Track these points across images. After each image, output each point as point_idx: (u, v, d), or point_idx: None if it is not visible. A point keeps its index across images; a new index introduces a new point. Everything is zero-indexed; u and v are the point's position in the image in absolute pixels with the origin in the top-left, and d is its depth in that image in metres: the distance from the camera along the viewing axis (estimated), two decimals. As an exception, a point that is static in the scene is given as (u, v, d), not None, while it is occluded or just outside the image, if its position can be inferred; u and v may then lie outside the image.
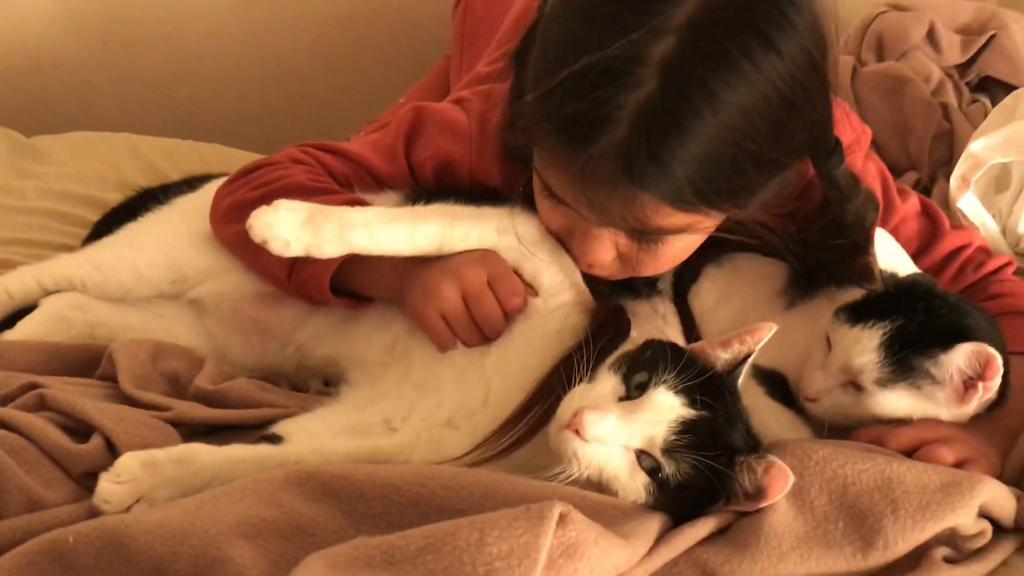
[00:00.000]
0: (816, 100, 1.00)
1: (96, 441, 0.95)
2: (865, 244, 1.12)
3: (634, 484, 0.90)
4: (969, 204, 1.43)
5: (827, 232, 1.13)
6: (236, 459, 0.96)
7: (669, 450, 0.89)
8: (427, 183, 1.26)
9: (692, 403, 0.91)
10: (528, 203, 1.13)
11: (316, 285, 1.13)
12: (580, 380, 0.96)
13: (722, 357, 0.97)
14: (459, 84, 1.56)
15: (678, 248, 1.09)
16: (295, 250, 1.04)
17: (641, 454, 0.90)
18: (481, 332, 1.09)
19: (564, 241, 1.12)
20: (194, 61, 2.06)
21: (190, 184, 1.42)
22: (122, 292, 1.26)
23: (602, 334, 1.04)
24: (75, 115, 1.98)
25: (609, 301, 1.12)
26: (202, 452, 0.95)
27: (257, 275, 1.22)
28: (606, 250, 1.07)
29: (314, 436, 1.03)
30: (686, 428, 0.89)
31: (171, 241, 1.28)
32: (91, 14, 1.94)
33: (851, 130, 1.20)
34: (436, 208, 1.14)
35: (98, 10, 1.94)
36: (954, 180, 1.44)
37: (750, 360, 0.97)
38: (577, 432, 0.88)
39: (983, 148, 1.44)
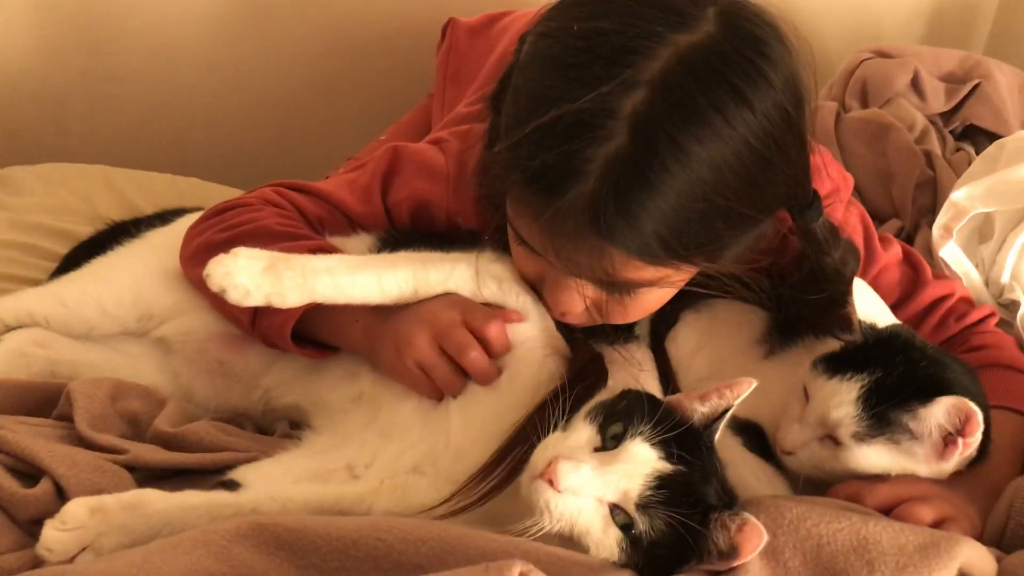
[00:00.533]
0: (790, 155, 0.99)
1: (45, 486, 0.93)
2: (843, 296, 1.11)
3: (607, 540, 0.87)
4: (951, 253, 1.42)
5: (804, 286, 1.12)
6: (189, 506, 0.93)
7: (644, 505, 0.87)
8: (403, 225, 1.25)
9: (668, 457, 0.89)
10: (500, 247, 1.12)
11: (278, 333, 1.11)
12: (555, 428, 0.94)
13: (699, 410, 0.95)
14: (439, 124, 1.56)
15: (650, 300, 1.08)
16: (255, 299, 1.02)
17: (614, 508, 0.87)
18: (463, 378, 1.07)
19: (537, 288, 1.11)
20: (174, 95, 2.05)
21: (162, 218, 1.40)
22: (86, 329, 1.23)
23: (579, 381, 1.02)
24: (53, 146, 1.96)
25: (587, 349, 1.11)
26: (153, 498, 0.93)
27: (223, 318, 1.20)
28: (577, 300, 1.06)
29: (273, 482, 1.01)
30: (662, 483, 0.87)
31: (139, 277, 1.26)
32: (72, 46, 1.93)
33: (831, 180, 1.19)
34: (405, 254, 1.12)
35: (79, 42, 1.94)
36: (936, 229, 1.43)
37: (728, 415, 0.95)
38: (551, 482, 0.86)
39: (965, 197, 1.44)
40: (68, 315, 1.23)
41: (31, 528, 0.91)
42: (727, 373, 1.11)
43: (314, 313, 1.09)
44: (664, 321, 1.21)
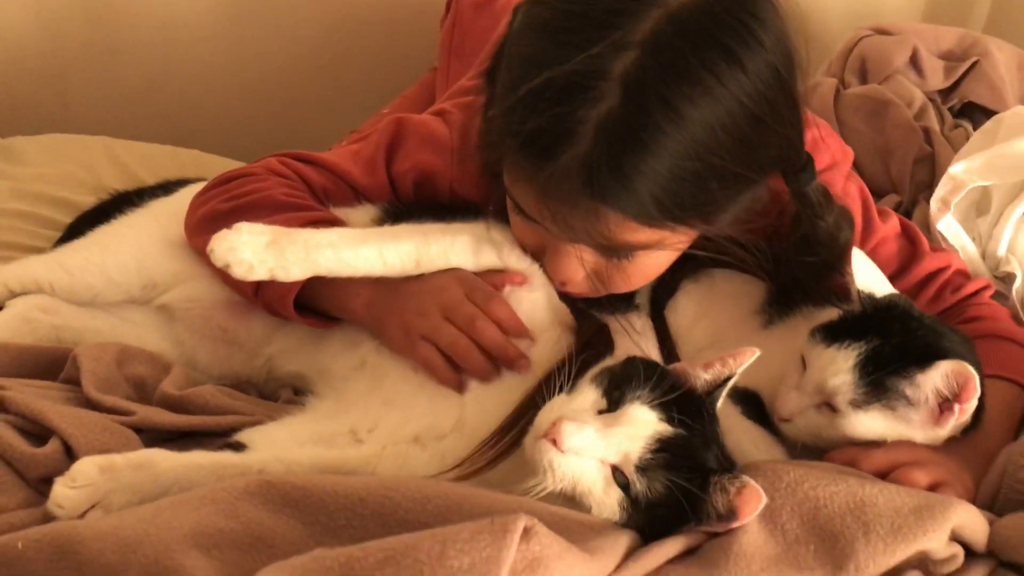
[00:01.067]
0: (783, 116, 0.99)
1: (54, 445, 0.94)
2: (838, 262, 1.12)
3: (608, 500, 0.89)
4: (949, 226, 1.42)
5: (799, 248, 1.12)
6: (196, 466, 0.94)
7: (643, 467, 0.88)
8: (407, 196, 1.25)
9: (669, 420, 0.90)
10: (503, 219, 1.12)
11: (280, 303, 1.12)
12: (560, 391, 0.95)
13: (703, 377, 0.96)
14: (443, 96, 1.55)
15: (649, 265, 1.08)
16: (259, 273, 1.03)
17: (616, 470, 0.89)
18: (481, 355, 1.06)
19: (537, 258, 1.11)
20: (176, 67, 2.05)
21: (165, 188, 1.41)
22: (91, 296, 1.24)
23: (586, 351, 1.03)
24: (55, 118, 1.97)
25: (593, 320, 1.12)
26: (161, 458, 0.93)
27: (226, 286, 1.20)
28: (577, 267, 1.06)
29: (278, 445, 1.02)
30: (662, 446, 0.89)
31: (143, 245, 1.27)
32: (74, 18, 1.93)
33: (830, 152, 1.20)
34: (407, 227, 1.13)
35: (80, 15, 1.93)
36: (934, 203, 1.44)
37: (730, 383, 0.96)
38: (554, 442, 0.87)
39: (963, 171, 1.44)
40: (72, 282, 1.24)
41: (40, 487, 0.91)
42: (726, 342, 1.13)
43: (317, 284, 1.09)
44: (664, 291, 1.21)
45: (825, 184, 1.12)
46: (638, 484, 0.88)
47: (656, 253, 1.05)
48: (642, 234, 0.98)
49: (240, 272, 1.02)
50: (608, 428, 0.89)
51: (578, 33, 0.92)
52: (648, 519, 0.89)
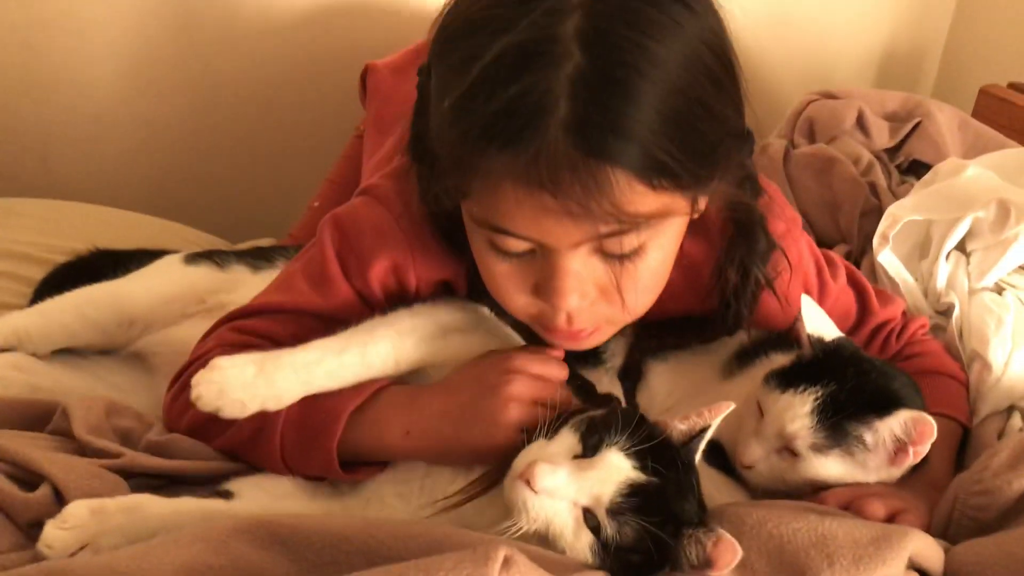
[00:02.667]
0: (734, 63, 0.95)
1: (44, 490, 0.95)
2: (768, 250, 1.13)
3: (579, 543, 0.90)
4: (889, 261, 1.49)
5: (743, 244, 1.13)
6: (185, 512, 0.95)
7: (614, 511, 0.90)
8: (379, 303, 1.13)
9: (643, 468, 0.92)
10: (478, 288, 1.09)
11: (328, 473, 1.04)
12: (541, 436, 0.97)
13: (679, 428, 0.98)
14: (368, 170, 1.52)
15: (657, 261, 0.99)
16: (251, 408, 0.99)
17: (587, 513, 0.91)
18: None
19: (533, 316, 1.04)
20: (159, 136, 2.08)
21: (148, 253, 1.43)
22: (67, 337, 1.23)
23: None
24: (37, 183, 1.99)
25: (603, 397, 1.12)
26: (151, 503, 0.95)
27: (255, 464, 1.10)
28: (581, 281, 0.96)
29: (266, 494, 1.03)
30: (634, 491, 0.90)
31: (118, 284, 1.26)
32: (59, 83, 1.95)
33: (783, 219, 1.19)
34: (380, 321, 1.09)
35: (66, 80, 1.96)
36: (876, 239, 1.49)
37: (708, 434, 0.98)
38: (528, 483, 0.89)
39: (899, 207, 1.51)
40: (46, 324, 1.23)
41: (30, 531, 0.93)
42: (690, 396, 1.16)
43: (346, 439, 1.03)
44: (632, 375, 1.23)
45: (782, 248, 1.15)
46: (609, 528, 0.89)
47: (662, 242, 0.98)
48: (649, 200, 0.89)
49: (232, 413, 0.98)
50: (582, 472, 0.91)
51: (509, 12, 0.85)
52: (619, 563, 0.90)
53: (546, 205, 0.87)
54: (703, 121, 0.90)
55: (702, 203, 1.02)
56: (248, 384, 0.99)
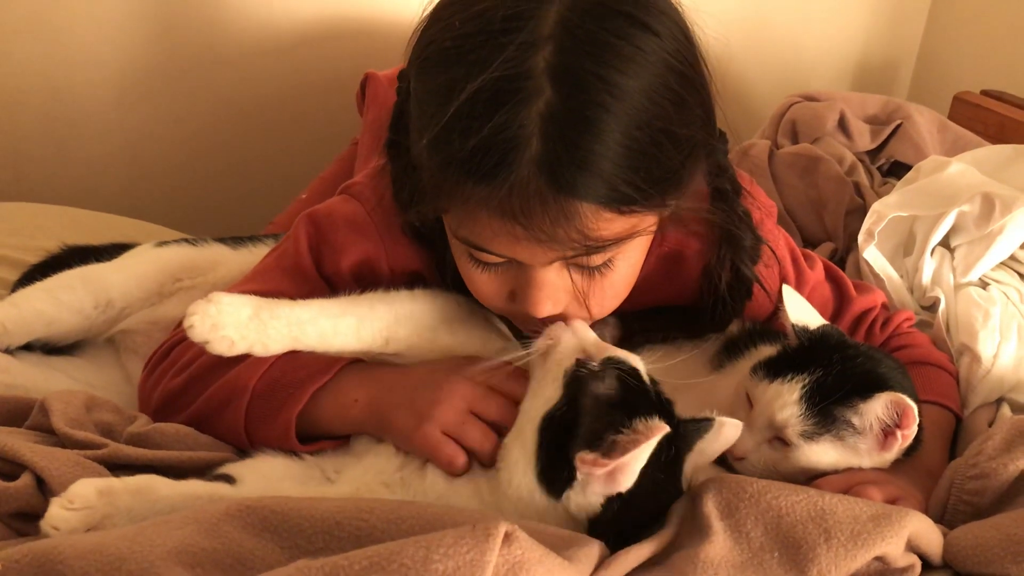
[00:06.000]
0: (702, 72, 0.99)
1: (26, 479, 0.93)
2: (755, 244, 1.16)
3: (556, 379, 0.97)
4: (874, 257, 1.50)
5: (729, 243, 1.15)
6: (194, 495, 0.93)
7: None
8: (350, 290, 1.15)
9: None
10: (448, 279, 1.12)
11: (283, 443, 1.06)
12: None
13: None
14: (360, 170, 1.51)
15: (625, 271, 1.05)
16: (239, 348, 1.00)
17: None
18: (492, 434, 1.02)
19: (510, 312, 1.09)
20: (134, 141, 2.06)
21: (120, 247, 1.41)
22: (43, 325, 1.20)
23: None
24: (8, 191, 1.96)
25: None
26: (161, 484, 0.93)
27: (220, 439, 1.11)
28: (555, 290, 1.02)
29: (265, 479, 1.01)
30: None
31: (89, 267, 1.25)
32: (32, 90, 1.94)
33: (758, 208, 1.21)
34: (379, 297, 1.10)
35: (40, 86, 1.94)
36: (861, 235, 1.51)
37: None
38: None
39: (884, 204, 1.52)
40: (20, 313, 1.21)
41: (12, 522, 0.91)
42: (678, 389, 1.15)
43: (308, 411, 1.06)
44: None
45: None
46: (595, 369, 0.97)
47: (629, 255, 1.03)
48: (616, 224, 0.95)
49: (220, 348, 0.99)
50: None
51: (484, 47, 0.89)
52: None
53: (518, 233, 0.93)
54: (666, 148, 0.94)
55: (672, 207, 1.03)
56: (241, 324, 1.00)
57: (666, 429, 0.89)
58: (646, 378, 0.99)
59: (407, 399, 1.04)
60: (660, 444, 0.91)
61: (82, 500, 0.87)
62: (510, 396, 1.03)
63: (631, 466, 0.89)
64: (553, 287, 1.01)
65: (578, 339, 1.01)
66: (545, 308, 1.02)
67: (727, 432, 1.00)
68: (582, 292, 1.03)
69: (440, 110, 0.90)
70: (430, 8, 0.99)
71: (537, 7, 0.90)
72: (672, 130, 0.94)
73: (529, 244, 0.94)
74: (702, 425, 0.99)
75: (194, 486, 0.95)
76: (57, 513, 0.87)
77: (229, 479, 0.99)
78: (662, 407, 0.97)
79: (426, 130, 0.93)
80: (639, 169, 0.92)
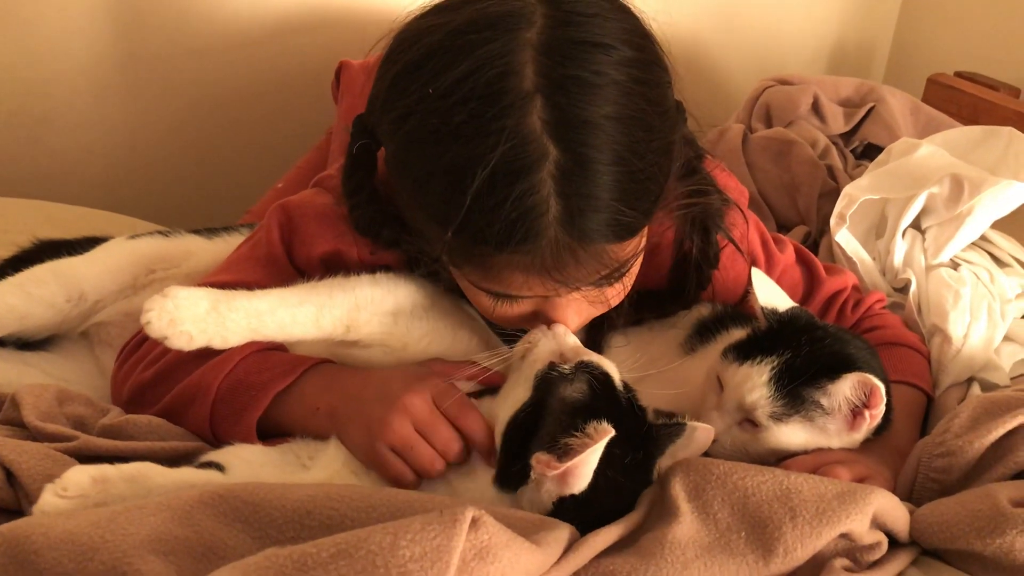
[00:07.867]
0: (661, 59, 1.02)
1: (-5, 472, 0.93)
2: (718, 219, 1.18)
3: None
4: (847, 240, 1.51)
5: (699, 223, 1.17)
6: (188, 482, 0.93)
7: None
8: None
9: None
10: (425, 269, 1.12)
11: (244, 438, 1.06)
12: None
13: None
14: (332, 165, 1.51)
15: (634, 271, 1.09)
16: (198, 342, 1.00)
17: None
18: (441, 459, 1.01)
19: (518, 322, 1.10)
20: (106, 135, 2.04)
21: (93, 240, 1.39)
22: (16, 319, 1.19)
23: None
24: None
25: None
26: (155, 472, 0.93)
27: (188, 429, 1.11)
28: (580, 308, 1.07)
29: (250, 465, 1.01)
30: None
31: (60, 261, 1.24)
32: (2, 86, 1.92)
33: (728, 193, 1.22)
34: (338, 284, 1.10)
35: (10, 81, 1.92)
36: (833, 218, 1.52)
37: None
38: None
39: (855, 187, 1.53)
40: None
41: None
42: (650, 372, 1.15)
43: (271, 414, 1.07)
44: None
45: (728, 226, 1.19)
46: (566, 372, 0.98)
47: (638, 256, 1.07)
48: (631, 244, 1.01)
49: (179, 343, 0.98)
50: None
51: (478, 118, 0.90)
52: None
53: (548, 284, 0.97)
54: (652, 155, 0.96)
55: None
56: (199, 319, 0.99)
57: (611, 432, 0.89)
58: (618, 383, 1.00)
59: (361, 413, 1.03)
60: (625, 448, 0.93)
61: (76, 487, 0.87)
62: (461, 428, 1.02)
63: (581, 469, 0.89)
64: (578, 304, 1.06)
65: (557, 343, 1.03)
66: (573, 323, 1.07)
67: (699, 437, 1.00)
68: (601, 298, 1.06)
69: (456, 196, 0.91)
70: (391, 71, 0.99)
71: (512, 60, 0.91)
72: (654, 140, 0.97)
73: (558, 286, 0.98)
74: (674, 430, 0.99)
75: (187, 474, 0.95)
76: (50, 500, 0.86)
77: (219, 467, 0.99)
78: (633, 413, 0.98)
79: (440, 212, 0.94)
80: (631, 197, 0.95)
